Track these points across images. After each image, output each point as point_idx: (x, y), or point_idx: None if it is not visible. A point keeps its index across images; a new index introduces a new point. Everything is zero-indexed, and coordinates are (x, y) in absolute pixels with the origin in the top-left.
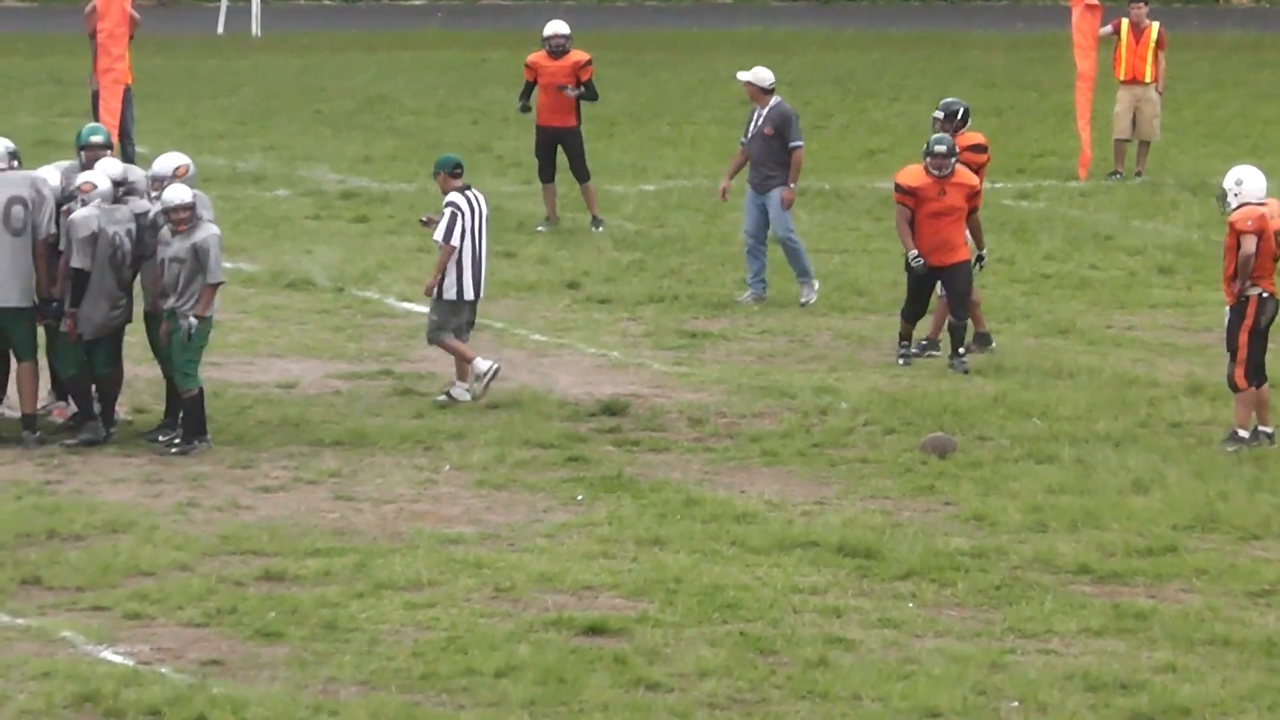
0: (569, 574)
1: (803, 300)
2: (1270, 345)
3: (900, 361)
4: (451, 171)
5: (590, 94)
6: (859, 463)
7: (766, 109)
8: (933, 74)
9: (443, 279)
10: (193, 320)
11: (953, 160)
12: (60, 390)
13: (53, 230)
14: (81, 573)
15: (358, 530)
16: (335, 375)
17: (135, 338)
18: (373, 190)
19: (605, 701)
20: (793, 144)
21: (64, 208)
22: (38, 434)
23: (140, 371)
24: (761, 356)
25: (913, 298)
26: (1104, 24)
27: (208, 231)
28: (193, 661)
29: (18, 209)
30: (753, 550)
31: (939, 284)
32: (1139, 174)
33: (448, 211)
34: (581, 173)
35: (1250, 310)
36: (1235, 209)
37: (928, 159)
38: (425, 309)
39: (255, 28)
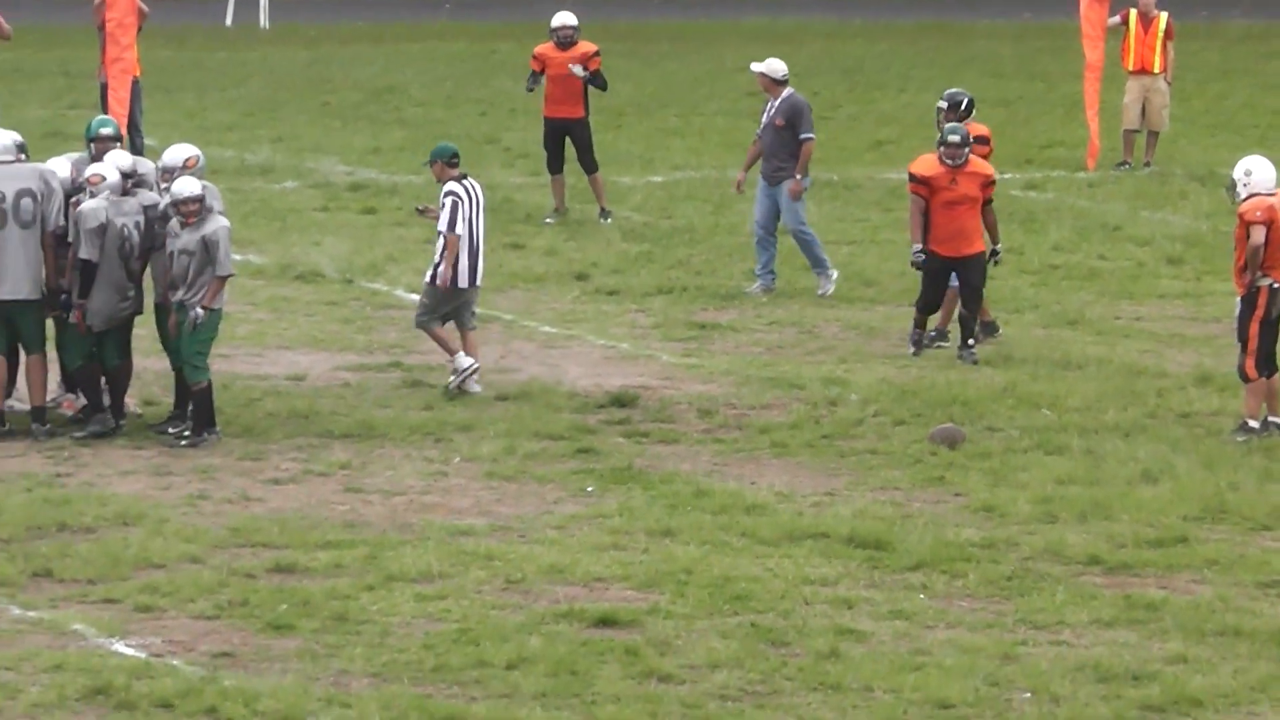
0: (579, 565)
1: (820, 291)
2: None
3: (911, 351)
4: (449, 161)
5: (599, 83)
6: (868, 454)
7: (779, 100)
8: (940, 64)
9: (438, 264)
10: (199, 311)
11: (966, 150)
12: (70, 383)
13: (61, 222)
14: (92, 565)
15: (368, 522)
16: (344, 367)
17: (144, 330)
18: (381, 182)
19: (616, 693)
20: (803, 135)
21: (73, 200)
22: (47, 426)
23: (149, 364)
24: (770, 348)
25: (927, 288)
26: (1112, 14)
27: (217, 224)
28: (204, 654)
29: (27, 201)
30: (763, 541)
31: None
32: (1148, 164)
33: (448, 201)
34: (590, 164)
35: (1261, 301)
36: (1244, 199)
37: (941, 148)
38: None
39: (263, 19)
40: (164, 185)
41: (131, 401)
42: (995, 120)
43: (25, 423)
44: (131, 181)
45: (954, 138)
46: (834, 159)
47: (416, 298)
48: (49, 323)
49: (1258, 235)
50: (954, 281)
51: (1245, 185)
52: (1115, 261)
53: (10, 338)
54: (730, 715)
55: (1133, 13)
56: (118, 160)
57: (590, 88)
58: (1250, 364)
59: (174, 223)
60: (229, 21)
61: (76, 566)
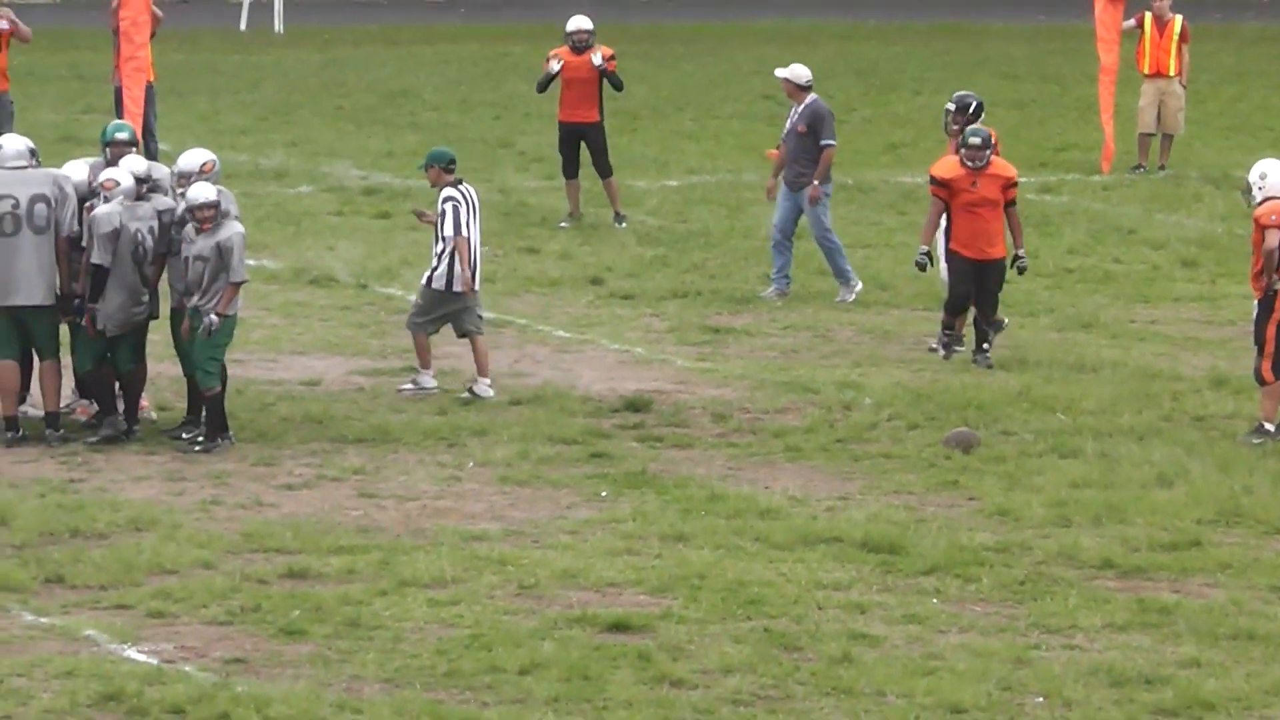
0: (592, 570)
1: (839, 298)
2: None
3: (942, 354)
4: (446, 166)
5: (615, 82)
6: (882, 458)
7: (802, 106)
8: (955, 66)
9: (436, 267)
10: (214, 318)
11: (987, 152)
12: (84, 389)
13: (75, 228)
14: (105, 571)
15: (381, 527)
16: (358, 372)
17: (158, 335)
18: (395, 186)
19: (629, 698)
20: (824, 142)
21: (87, 204)
22: (61, 432)
23: (163, 369)
24: (784, 352)
25: (955, 288)
26: (1127, 17)
27: (232, 230)
28: (216, 660)
29: (40, 207)
30: (776, 546)
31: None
32: (1162, 167)
33: (448, 207)
34: (604, 168)
35: (1278, 304)
36: (1260, 203)
37: (962, 150)
38: None
39: (278, 23)
40: (180, 190)
41: (147, 406)
42: (1009, 122)
43: (39, 428)
44: (146, 186)
45: (975, 140)
46: (848, 162)
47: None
48: (63, 328)
49: (1273, 239)
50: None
51: (1260, 189)
52: (1130, 265)
53: (24, 343)
54: None
55: (1148, 16)
56: (132, 165)
57: (604, 90)
58: (1266, 367)
59: (189, 228)
60: (243, 25)
61: (89, 572)
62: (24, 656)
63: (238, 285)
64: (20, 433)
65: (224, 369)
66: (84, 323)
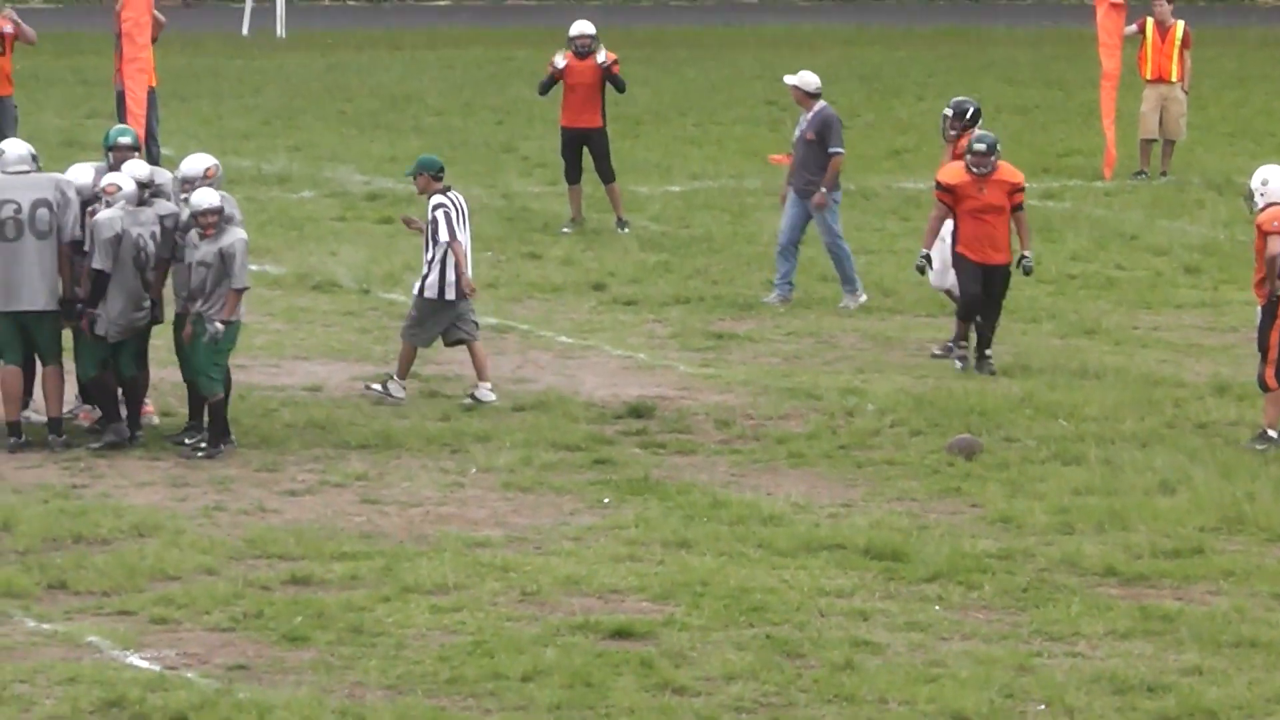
0: (595, 577)
1: (843, 305)
2: None
3: (959, 365)
4: (435, 174)
5: (618, 83)
6: (885, 464)
7: (811, 113)
8: (958, 71)
9: (427, 275)
10: (219, 326)
11: (993, 158)
12: (86, 394)
13: (78, 233)
14: (107, 577)
15: (384, 533)
16: (361, 377)
17: (160, 340)
18: (398, 191)
19: (632, 705)
20: (832, 150)
21: (89, 209)
22: (64, 438)
23: (167, 374)
24: (788, 358)
25: (967, 297)
26: (1129, 22)
27: (234, 236)
28: (219, 666)
29: (43, 211)
30: (779, 552)
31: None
32: (1164, 173)
33: (440, 214)
34: (607, 174)
35: None
36: (1262, 209)
37: (968, 156)
38: None
39: (280, 27)
40: (183, 196)
41: (151, 411)
42: (1013, 128)
43: (42, 434)
44: (149, 191)
45: (980, 145)
46: (852, 167)
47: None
48: (66, 333)
49: (1275, 245)
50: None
51: (1262, 195)
52: (1132, 271)
53: (27, 348)
54: None
55: (1150, 21)
56: (135, 170)
57: (607, 94)
58: (1270, 373)
59: (193, 234)
60: (245, 30)
61: (92, 578)
62: (26, 663)
63: (240, 291)
64: (23, 438)
65: (228, 375)
66: (82, 326)
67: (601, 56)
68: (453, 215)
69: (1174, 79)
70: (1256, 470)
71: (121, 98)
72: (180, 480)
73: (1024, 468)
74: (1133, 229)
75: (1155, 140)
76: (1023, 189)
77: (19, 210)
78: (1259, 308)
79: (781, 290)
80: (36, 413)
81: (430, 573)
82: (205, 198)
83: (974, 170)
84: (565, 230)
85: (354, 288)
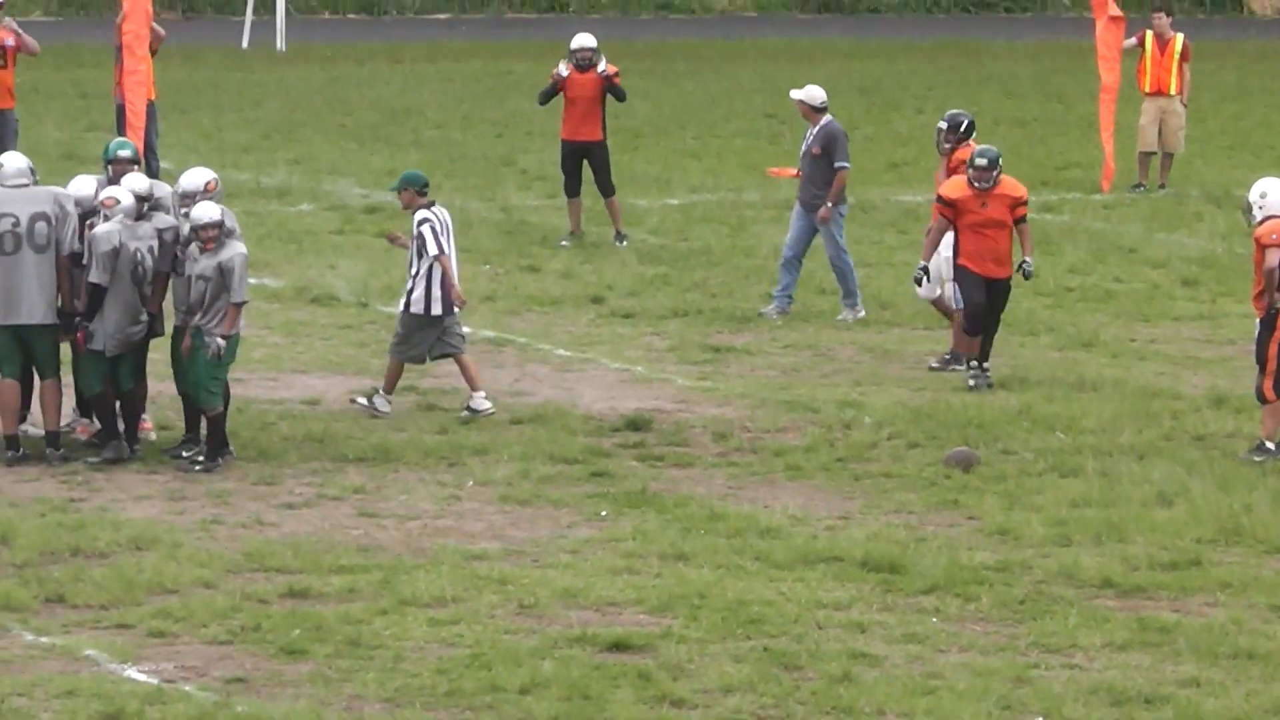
0: (593, 590)
1: (841, 318)
2: None
3: (971, 383)
4: (420, 190)
5: (619, 93)
6: (883, 477)
7: (817, 128)
8: (958, 84)
9: (412, 291)
10: (220, 342)
11: (995, 173)
12: (84, 407)
13: (77, 246)
14: (105, 590)
15: (382, 546)
16: (359, 391)
17: (158, 354)
18: (397, 204)
19: (629, 717)
20: (838, 164)
21: (88, 222)
22: (62, 451)
23: (165, 388)
24: (785, 371)
25: (973, 309)
26: (1128, 35)
27: (234, 250)
28: (217, 679)
29: (41, 225)
30: (776, 565)
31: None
32: (1163, 186)
33: (426, 229)
34: (607, 187)
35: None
36: (1260, 222)
37: (970, 171)
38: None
39: (280, 41)
40: (183, 210)
41: (149, 428)
42: (1011, 140)
43: (40, 447)
44: (148, 205)
45: (982, 160)
46: (850, 180)
47: None
48: (64, 347)
49: (1273, 258)
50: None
51: (1261, 208)
52: (1130, 283)
53: (25, 362)
54: None
55: (1149, 34)
56: (134, 183)
57: (608, 104)
58: (1268, 385)
59: (193, 247)
60: (245, 43)
61: (90, 591)
62: (25, 676)
63: (239, 306)
64: (21, 451)
65: (227, 388)
66: (77, 339)
67: (602, 66)
68: (438, 229)
69: (1173, 92)
70: (1254, 482)
71: (121, 111)
72: (178, 494)
73: (1021, 480)
74: (1131, 242)
75: (1154, 153)
76: (1025, 203)
77: (17, 224)
78: (1257, 320)
79: (780, 303)
80: (34, 426)
81: (428, 585)
82: (206, 212)
83: (976, 185)
84: (564, 243)
85: (353, 301)
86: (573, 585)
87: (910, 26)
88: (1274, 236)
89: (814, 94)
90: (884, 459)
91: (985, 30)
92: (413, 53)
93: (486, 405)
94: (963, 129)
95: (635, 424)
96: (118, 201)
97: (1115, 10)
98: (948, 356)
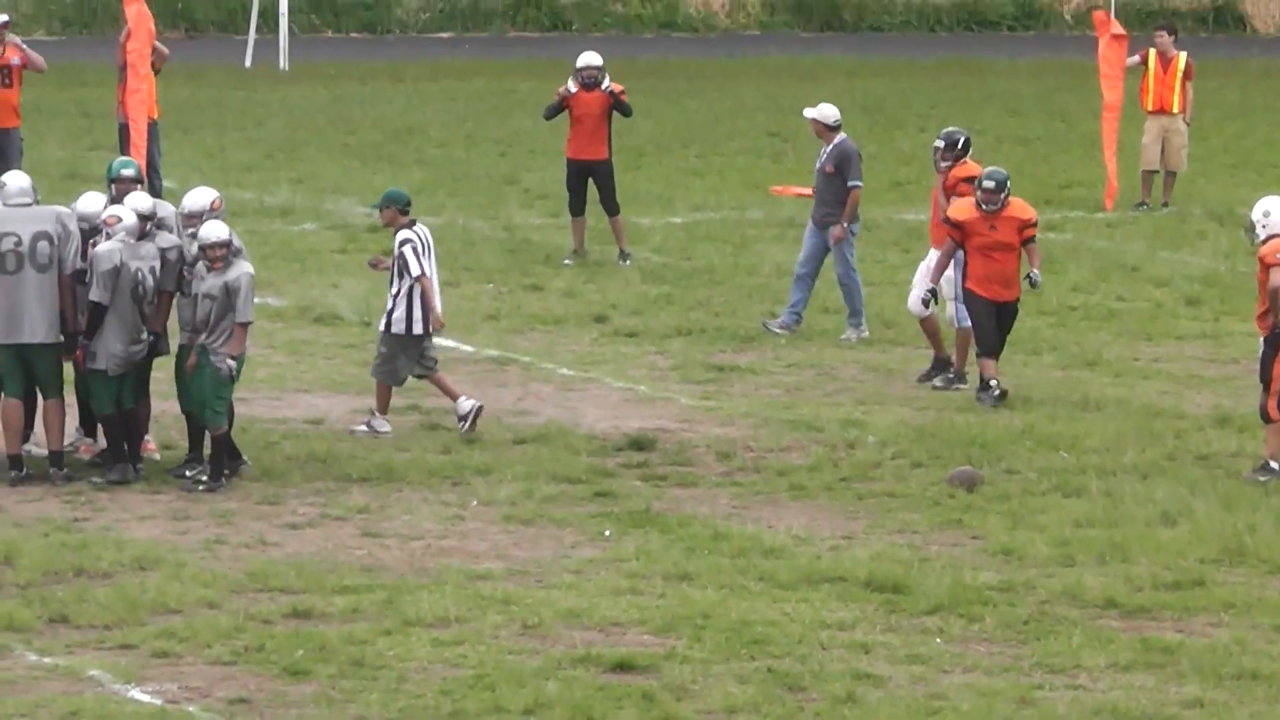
0: (597, 610)
1: (844, 337)
2: None
3: (992, 403)
4: (403, 208)
5: (624, 109)
6: (886, 496)
7: (830, 146)
8: (960, 102)
9: (393, 310)
10: (230, 363)
11: (1003, 195)
12: (88, 427)
13: (79, 264)
14: (109, 610)
15: (385, 567)
16: (362, 410)
17: (161, 373)
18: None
19: None
20: (851, 183)
21: (91, 241)
22: (65, 471)
23: (168, 408)
24: (789, 390)
25: (983, 332)
26: (1131, 54)
27: (241, 270)
28: (220, 700)
29: (43, 244)
30: (780, 585)
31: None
32: (1166, 204)
33: (407, 249)
34: (611, 206)
35: None
36: (1263, 241)
37: (978, 193)
38: (453, 343)
39: (283, 60)
40: (189, 231)
41: (153, 449)
42: (1014, 159)
43: (43, 467)
44: (151, 224)
45: (990, 183)
46: None
47: (436, 340)
48: (68, 367)
49: (1278, 277)
50: (966, 321)
51: (1264, 227)
52: (1133, 302)
53: (28, 381)
54: None
55: (1152, 52)
56: (137, 202)
57: (614, 120)
58: (1272, 404)
59: (200, 265)
60: (249, 62)
61: (93, 612)
62: (28, 697)
63: (245, 326)
64: (24, 471)
65: (231, 407)
66: (76, 357)
67: (606, 84)
68: (419, 249)
69: (1175, 110)
70: (1258, 502)
71: (124, 130)
72: (181, 513)
73: (1025, 500)
74: (1134, 260)
75: (1157, 172)
76: (1034, 224)
77: (19, 243)
78: (1261, 339)
79: (788, 319)
80: (38, 446)
81: (431, 606)
82: (214, 231)
83: (984, 207)
84: (567, 262)
85: (356, 320)
86: (576, 605)
87: (913, 45)
88: (1278, 256)
89: (827, 112)
90: (888, 478)
91: (988, 48)
92: (416, 71)
93: (471, 404)
94: (959, 146)
95: (639, 443)
96: (120, 220)
97: (1118, 29)
98: (951, 375)
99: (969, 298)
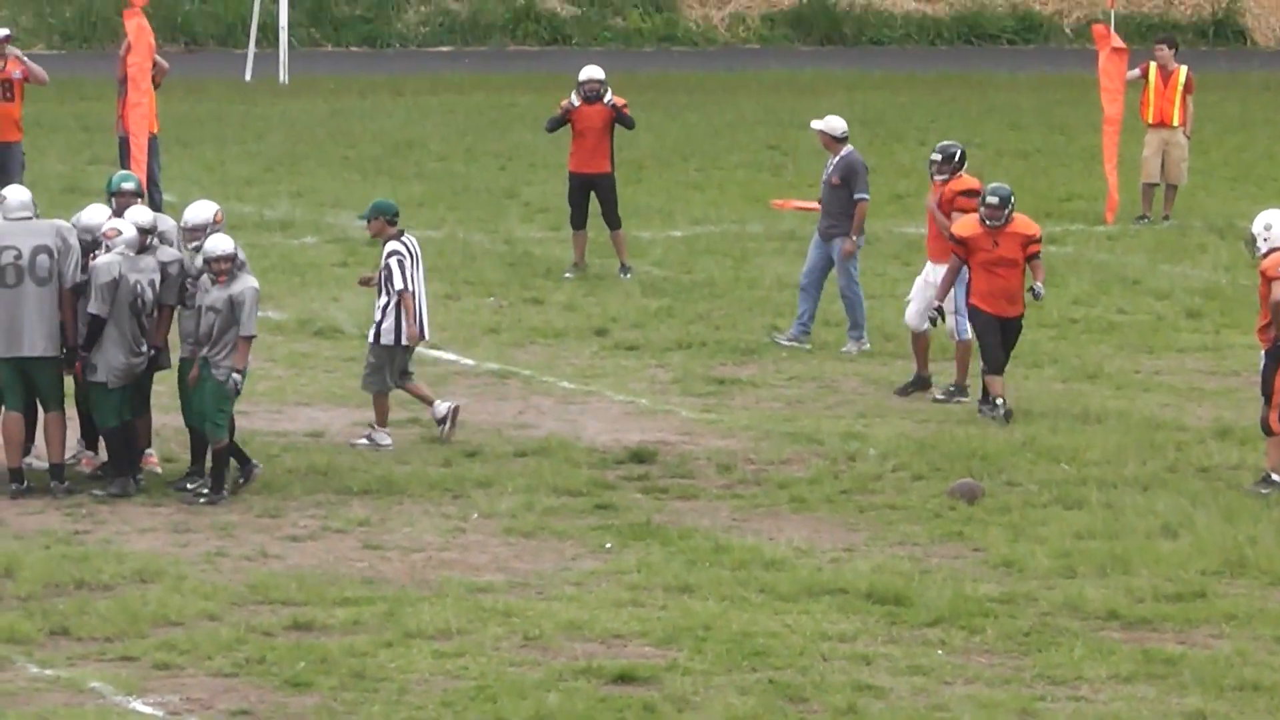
0: (598, 622)
1: (845, 349)
2: None
3: (1001, 414)
4: (390, 219)
5: (627, 121)
6: (887, 508)
7: (837, 158)
8: (960, 116)
9: (382, 322)
10: (238, 377)
11: (1006, 211)
12: (90, 439)
13: (80, 278)
14: (110, 622)
15: (386, 579)
16: (363, 423)
17: (162, 387)
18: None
19: None
20: (857, 196)
21: (92, 254)
22: (66, 484)
23: (169, 420)
24: (790, 402)
25: (989, 349)
26: (1131, 67)
27: (246, 284)
28: (222, 712)
29: (43, 258)
30: (781, 597)
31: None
32: (1166, 218)
33: (394, 261)
34: (613, 219)
35: None
36: (1265, 254)
37: (982, 209)
38: (454, 357)
39: (282, 73)
40: (192, 245)
41: (154, 462)
42: (1015, 172)
43: (44, 480)
44: (151, 238)
45: (993, 199)
46: None
47: (435, 354)
48: (69, 380)
49: (1279, 291)
50: (966, 334)
51: (1266, 240)
52: (1134, 315)
53: (28, 394)
54: None
55: (1152, 66)
56: (138, 216)
57: (616, 134)
58: (1274, 417)
59: (205, 278)
60: (248, 76)
61: (94, 624)
62: (29, 708)
63: (249, 339)
64: (25, 484)
65: (232, 420)
66: (75, 371)
67: (608, 98)
68: (406, 263)
69: (1176, 124)
70: (1259, 514)
71: (124, 143)
72: (182, 526)
73: (1026, 512)
74: (1135, 273)
75: (1157, 185)
76: (1038, 240)
77: (19, 256)
78: (1262, 352)
79: (795, 331)
80: (38, 459)
81: (432, 618)
82: (220, 244)
83: (987, 223)
84: (567, 275)
85: (356, 333)
86: (578, 617)
87: (912, 58)
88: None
89: (834, 124)
90: (888, 491)
91: (987, 62)
92: (415, 85)
93: (446, 405)
94: (955, 159)
95: (640, 456)
96: (119, 233)
97: (1118, 42)
98: (952, 388)
99: (974, 313)
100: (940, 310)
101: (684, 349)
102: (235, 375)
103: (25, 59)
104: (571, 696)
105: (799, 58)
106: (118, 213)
